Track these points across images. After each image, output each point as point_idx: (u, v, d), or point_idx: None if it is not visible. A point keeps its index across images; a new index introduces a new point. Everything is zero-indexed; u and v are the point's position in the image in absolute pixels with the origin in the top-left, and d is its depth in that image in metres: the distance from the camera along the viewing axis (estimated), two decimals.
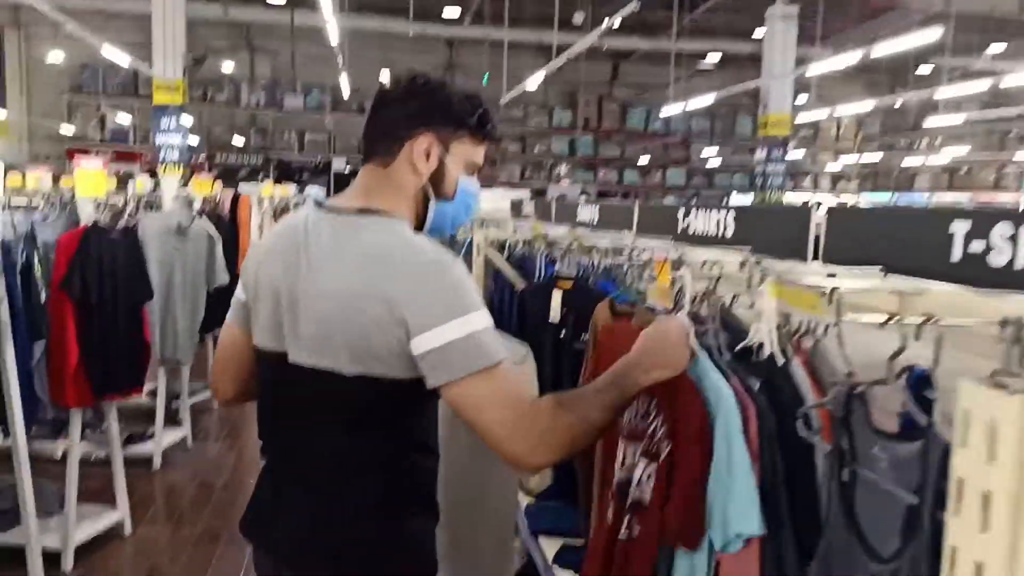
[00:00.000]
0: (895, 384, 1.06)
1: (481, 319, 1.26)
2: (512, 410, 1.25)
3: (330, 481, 1.37)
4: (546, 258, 2.94)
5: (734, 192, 19.08)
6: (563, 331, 2.50)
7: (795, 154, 18.76)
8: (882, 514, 1.06)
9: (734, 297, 1.95)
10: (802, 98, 16.90)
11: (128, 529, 3.68)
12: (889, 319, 1.12)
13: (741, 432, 1.30)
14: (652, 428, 1.48)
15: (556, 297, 2.51)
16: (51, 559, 3.29)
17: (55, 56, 14.97)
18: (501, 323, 3.02)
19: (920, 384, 1.03)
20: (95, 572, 3.33)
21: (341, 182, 17.25)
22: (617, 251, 2.70)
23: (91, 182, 3.24)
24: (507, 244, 3.54)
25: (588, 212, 4.16)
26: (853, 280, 1.66)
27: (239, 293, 1.51)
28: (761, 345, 1.55)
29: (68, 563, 3.29)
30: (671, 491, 1.38)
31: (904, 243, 1.61)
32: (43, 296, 2.70)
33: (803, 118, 16.08)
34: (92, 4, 14.10)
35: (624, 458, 1.53)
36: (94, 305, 3.19)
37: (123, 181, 7.66)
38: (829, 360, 1.38)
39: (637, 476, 1.47)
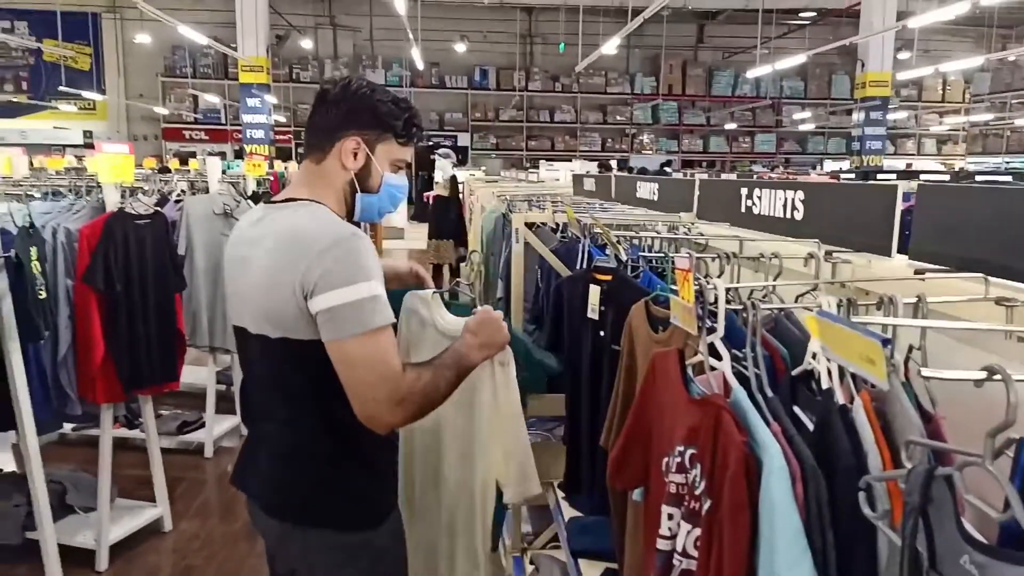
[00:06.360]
0: (994, 466, 0.71)
1: (370, 288, 1.41)
2: (379, 373, 1.42)
3: (278, 435, 1.57)
4: (591, 244, 2.61)
5: (827, 160, 18.01)
6: (602, 331, 2.18)
7: (896, 115, 17.57)
8: None
9: (810, 290, 1.58)
10: (904, 55, 15.74)
11: (168, 525, 3.57)
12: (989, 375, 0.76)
13: (793, 505, 0.97)
14: (692, 480, 1.16)
15: (594, 292, 2.19)
16: (88, 556, 3.21)
17: (146, 39, 15.39)
18: (546, 314, 2.64)
19: None
20: (131, 571, 3.23)
21: (420, 157, 17.15)
22: (667, 239, 2.35)
23: (114, 167, 3.09)
24: (558, 227, 3.22)
25: (648, 189, 3.78)
26: (947, 284, 1.29)
27: None
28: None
29: (102, 562, 3.19)
30: (711, 561, 1.07)
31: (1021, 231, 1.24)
32: (43, 294, 2.54)
33: (905, 76, 14.92)
34: None
35: (667, 527, 1.22)
36: (120, 296, 3.05)
37: (183, 161, 7.62)
38: (903, 401, 1.02)
39: (681, 544, 1.17)
